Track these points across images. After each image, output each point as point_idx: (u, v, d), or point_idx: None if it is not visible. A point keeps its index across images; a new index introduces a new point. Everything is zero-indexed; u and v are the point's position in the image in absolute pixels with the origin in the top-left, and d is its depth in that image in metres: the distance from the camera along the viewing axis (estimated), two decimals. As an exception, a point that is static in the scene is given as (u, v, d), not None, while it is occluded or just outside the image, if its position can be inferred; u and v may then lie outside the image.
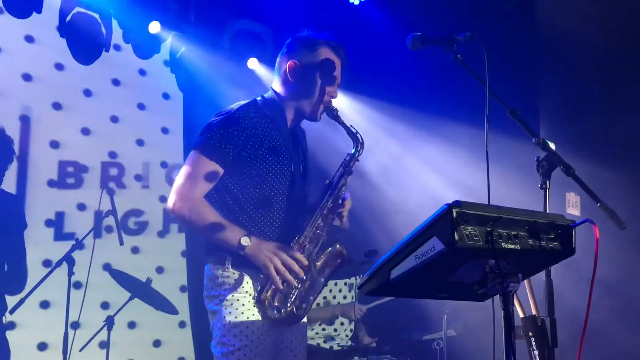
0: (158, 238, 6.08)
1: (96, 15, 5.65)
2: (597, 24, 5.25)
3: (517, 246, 1.98)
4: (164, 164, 6.20)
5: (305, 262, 3.00)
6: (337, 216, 3.17)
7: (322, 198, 3.16)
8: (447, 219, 1.86)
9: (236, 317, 2.96)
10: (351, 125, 3.20)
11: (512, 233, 1.98)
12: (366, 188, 6.00)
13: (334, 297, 5.42)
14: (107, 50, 5.83)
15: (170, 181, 6.15)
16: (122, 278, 5.07)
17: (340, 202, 3.16)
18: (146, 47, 5.92)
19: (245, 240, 2.93)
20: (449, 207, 1.86)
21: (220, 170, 3.03)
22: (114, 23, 5.76)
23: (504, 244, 1.95)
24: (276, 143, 3.11)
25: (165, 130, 6.25)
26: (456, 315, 5.25)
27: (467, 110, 4.69)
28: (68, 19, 5.57)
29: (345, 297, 5.44)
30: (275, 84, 3.27)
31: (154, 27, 5.71)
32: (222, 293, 3.01)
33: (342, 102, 6.09)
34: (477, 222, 1.91)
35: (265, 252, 2.94)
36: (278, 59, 3.29)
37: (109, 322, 4.98)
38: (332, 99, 3.21)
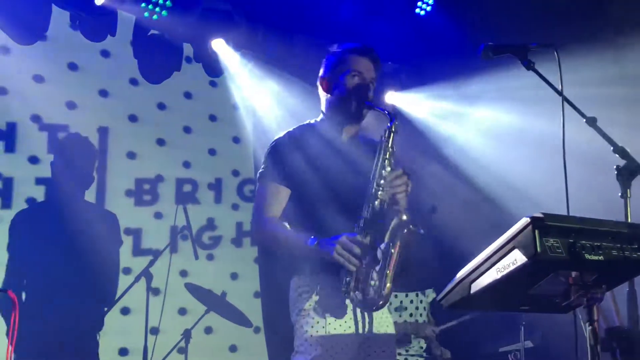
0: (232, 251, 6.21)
1: (167, 37, 5.80)
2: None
3: (601, 257, 1.94)
4: (235, 173, 6.34)
5: (363, 241, 2.98)
6: (394, 190, 3.10)
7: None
8: (529, 231, 1.84)
9: (312, 327, 3.04)
10: (383, 107, 3.26)
11: (596, 244, 1.94)
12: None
13: (406, 309, 5.41)
14: (178, 70, 5.99)
15: (241, 194, 6.29)
16: (198, 292, 5.20)
17: (390, 178, 3.09)
18: (215, 66, 6.04)
19: (311, 241, 3.01)
20: (531, 219, 1.85)
21: (286, 190, 3.20)
22: (185, 44, 5.94)
23: (587, 255, 1.91)
24: (332, 160, 3.22)
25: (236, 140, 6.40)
26: (533, 326, 5.14)
27: (544, 118, 4.62)
28: (141, 40, 5.76)
29: (411, 315, 5.40)
30: (321, 105, 3.42)
31: (220, 45, 5.84)
32: (301, 302, 3.11)
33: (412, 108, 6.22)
34: (560, 233, 1.88)
35: (326, 245, 2.98)
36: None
37: (186, 335, 5.12)
38: (368, 96, 3.25)
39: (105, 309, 4.76)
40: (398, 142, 3.17)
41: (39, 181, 5.29)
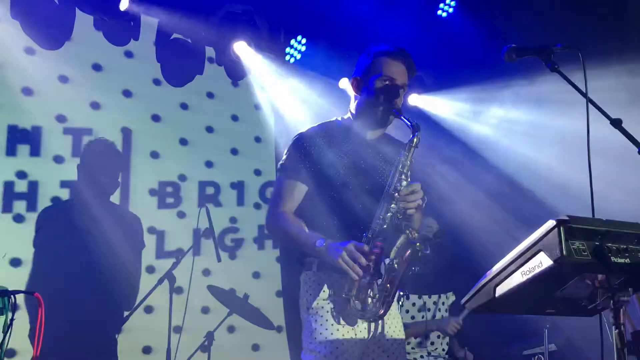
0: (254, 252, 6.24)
1: (190, 41, 5.84)
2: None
3: (627, 260, 1.93)
4: (257, 172, 6.37)
5: (369, 252, 2.96)
6: (407, 205, 3.06)
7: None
8: (555, 234, 1.83)
9: (322, 325, 3.06)
10: (408, 118, 3.16)
11: (622, 247, 1.93)
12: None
13: (429, 310, 5.39)
14: (200, 74, 6.03)
15: (262, 196, 6.33)
16: (221, 295, 5.23)
17: (405, 193, 3.05)
18: (237, 69, 6.07)
19: (319, 242, 3.02)
20: (557, 222, 1.84)
21: (303, 187, 3.22)
22: (207, 48, 5.98)
23: (613, 258, 1.90)
24: (353, 159, 3.22)
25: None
26: (557, 329, 5.10)
27: (566, 119, 4.59)
28: (163, 44, 5.80)
29: (434, 317, 5.39)
30: (350, 104, 3.42)
31: (242, 47, 5.86)
32: (308, 299, 3.14)
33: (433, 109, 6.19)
34: (586, 236, 1.87)
35: (333, 250, 2.98)
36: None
37: (209, 334, 5.14)
38: (396, 103, 3.22)
39: (126, 312, 4.81)
40: (421, 145, 3.14)
41: (64, 184, 5.34)
